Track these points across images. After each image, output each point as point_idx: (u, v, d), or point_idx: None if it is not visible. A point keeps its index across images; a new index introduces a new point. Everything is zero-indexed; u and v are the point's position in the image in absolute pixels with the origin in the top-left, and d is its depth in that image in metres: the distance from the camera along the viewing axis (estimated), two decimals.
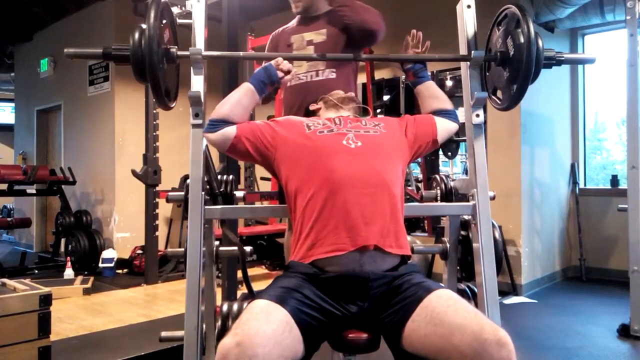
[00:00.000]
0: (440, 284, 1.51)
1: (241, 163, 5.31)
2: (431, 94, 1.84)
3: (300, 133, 1.64)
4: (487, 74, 1.80)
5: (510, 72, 1.64)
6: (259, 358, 1.15)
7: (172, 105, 1.69)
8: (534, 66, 1.54)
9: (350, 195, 1.48)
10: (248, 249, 1.77)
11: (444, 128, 1.77)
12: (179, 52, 1.64)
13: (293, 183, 1.58)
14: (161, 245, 5.24)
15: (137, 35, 1.47)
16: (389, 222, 1.50)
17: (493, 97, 1.80)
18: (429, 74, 1.91)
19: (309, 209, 1.51)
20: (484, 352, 1.19)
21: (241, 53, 1.83)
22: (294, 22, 2.42)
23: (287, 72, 1.75)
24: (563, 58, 1.67)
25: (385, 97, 5.45)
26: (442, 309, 1.30)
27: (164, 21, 1.62)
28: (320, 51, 2.19)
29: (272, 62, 1.75)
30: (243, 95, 1.71)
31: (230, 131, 1.64)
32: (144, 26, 1.47)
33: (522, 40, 1.55)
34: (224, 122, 1.65)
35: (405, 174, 5.67)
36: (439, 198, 1.91)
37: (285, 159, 1.63)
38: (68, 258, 4.88)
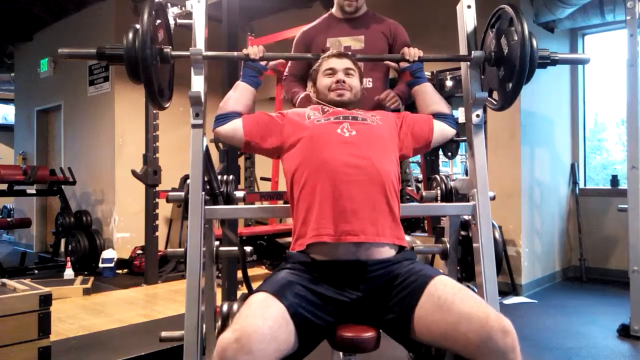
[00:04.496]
0: (438, 269, 1.52)
1: (241, 163, 5.31)
2: (430, 97, 1.82)
3: (300, 125, 1.66)
4: (482, 76, 1.80)
5: (504, 71, 1.64)
6: (255, 354, 1.19)
7: (166, 106, 1.69)
8: (528, 64, 1.53)
9: (339, 183, 1.50)
10: (248, 249, 1.78)
11: (440, 133, 1.77)
12: (173, 52, 1.65)
13: (290, 173, 1.61)
14: (161, 245, 5.24)
15: (130, 35, 1.48)
16: (379, 211, 1.51)
17: (489, 98, 1.81)
18: (427, 74, 1.91)
19: (302, 198, 1.54)
20: (490, 340, 1.23)
21: (239, 53, 1.82)
22: (324, 21, 2.27)
23: (263, 59, 1.74)
24: (557, 58, 1.67)
25: None
26: (449, 297, 1.34)
27: (159, 21, 1.62)
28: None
29: (247, 53, 1.73)
30: (241, 91, 1.75)
31: (238, 122, 1.69)
32: (137, 26, 1.47)
33: (515, 38, 1.55)
34: (231, 115, 1.70)
35: (405, 173, 5.66)
36: (439, 198, 1.91)
37: (288, 153, 1.66)
38: (68, 258, 4.88)
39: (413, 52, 1.79)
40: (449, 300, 1.33)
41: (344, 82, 1.74)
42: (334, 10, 2.27)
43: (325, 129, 1.62)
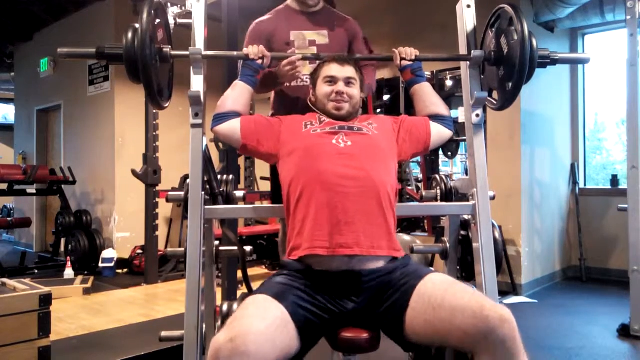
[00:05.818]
0: (431, 268, 1.52)
1: (241, 163, 5.31)
2: (428, 97, 1.81)
3: (296, 133, 1.66)
4: (482, 76, 1.80)
5: (504, 71, 1.64)
6: (251, 354, 1.16)
7: (166, 105, 1.69)
8: (528, 64, 1.53)
9: (334, 194, 1.49)
10: (248, 249, 1.78)
11: (438, 135, 1.77)
12: (173, 52, 1.65)
13: (286, 183, 1.61)
14: (161, 245, 5.24)
15: (130, 35, 1.48)
16: (374, 223, 1.50)
17: (489, 98, 1.81)
18: (427, 74, 1.90)
19: (298, 208, 1.54)
20: (487, 330, 1.20)
21: (239, 53, 1.82)
22: (281, 13, 2.21)
23: (262, 57, 1.73)
24: (557, 57, 1.67)
25: (385, 97, 5.45)
26: (440, 293, 1.33)
27: (158, 21, 1.62)
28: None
29: (247, 53, 1.72)
30: (240, 90, 1.74)
31: (236, 122, 1.68)
32: (137, 26, 1.47)
33: (515, 37, 1.55)
34: (229, 114, 1.69)
35: (405, 173, 5.65)
36: (439, 198, 1.91)
37: (284, 161, 1.66)
38: (68, 258, 4.88)
39: (410, 52, 1.78)
40: (439, 297, 1.31)
41: (343, 93, 1.70)
42: (289, 1, 2.24)
43: (321, 140, 1.61)
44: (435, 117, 1.78)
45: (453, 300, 1.28)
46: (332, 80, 1.72)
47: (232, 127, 1.68)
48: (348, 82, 1.72)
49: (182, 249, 1.62)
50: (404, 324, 1.37)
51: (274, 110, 2.27)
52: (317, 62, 1.89)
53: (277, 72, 1.97)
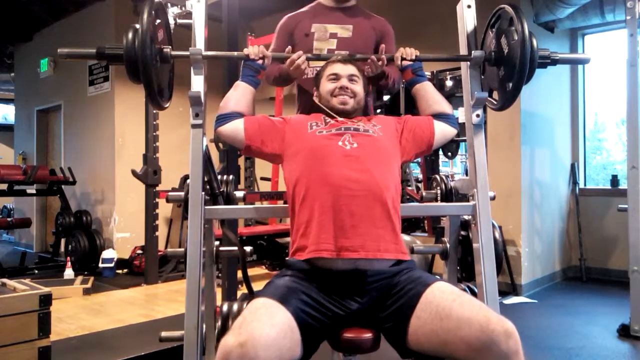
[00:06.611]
0: (437, 276, 1.52)
1: (241, 163, 5.31)
2: (431, 96, 1.81)
3: (301, 134, 1.66)
4: (482, 76, 1.80)
5: (505, 71, 1.64)
6: None
7: (166, 106, 1.69)
8: (528, 64, 1.53)
9: (339, 197, 1.49)
10: (248, 249, 1.78)
11: (442, 134, 1.76)
12: (173, 52, 1.65)
13: (291, 183, 1.60)
14: (161, 245, 5.24)
15: (130, 35, 1.48)
16: (380, 226, 1.50)
17: (489, 98, 1.81)
18: (427, 74, 1.90)
19: (302, 209, 1.53)
20: (492, 343, 1.20)
21: (239, 53, 1.82)
22: (312, 8, 2.22)
23: (263, 58, 1.73)
24: (557, 57, 1.67)
25: (385, 97, 5.45)
26: (447, 303, 1.31)
27: (158, 21, 1.62)
28: (344, 47, 2.06)
29: (247, 54, 1.72)
30: (242, 91, 1.74)
31: (239, 123, 1.68)
32: (137, 26, 1.47)
33: (515, 37, 1.55)
34: (232, 115, 1.69)
35: (405, 173, 5.64)
36: (439, 198, 1.91)
37: (288, 162, 1.66)
38: (68, 258, 4.88)
39: (410, 52, 1.78)
40: (447, 307, 1.30)
41: (347, 88, 1.71)
42: None
43: (327, 141, 1.60)
44: (439, 116, 1.78)
45: (460, 311, 1.28)
46: (336, 77, 1.74)
47: (235, 128, 1.68)
48: (351, 79, 1.74)
49: (182, 249, 1.62)
50: (408, 331, 1.36)
51: (300, 102, 2.21)
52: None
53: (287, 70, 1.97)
